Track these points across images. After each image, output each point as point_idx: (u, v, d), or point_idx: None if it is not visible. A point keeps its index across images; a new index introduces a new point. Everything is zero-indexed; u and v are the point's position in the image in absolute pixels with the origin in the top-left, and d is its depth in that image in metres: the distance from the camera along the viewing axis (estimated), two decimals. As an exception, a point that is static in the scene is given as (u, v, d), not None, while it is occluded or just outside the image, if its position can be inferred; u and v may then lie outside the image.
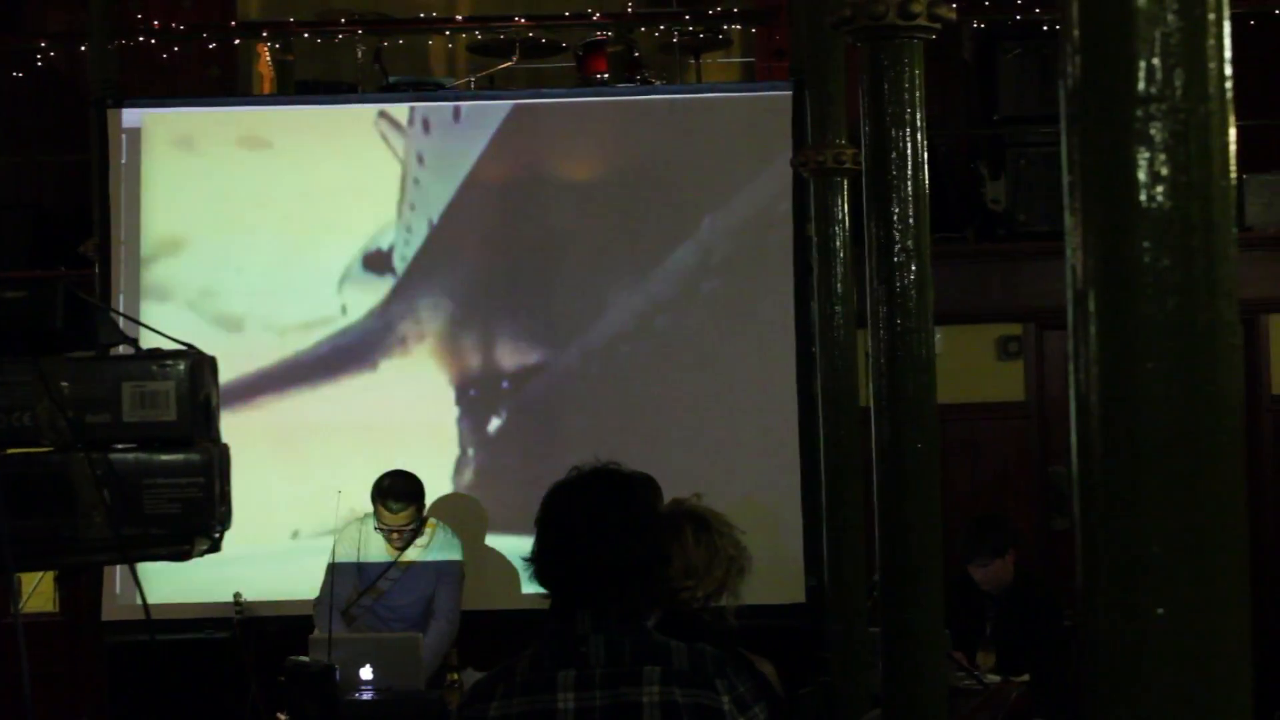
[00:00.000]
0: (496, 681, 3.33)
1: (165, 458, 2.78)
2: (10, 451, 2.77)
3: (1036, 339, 10.15)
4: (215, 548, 2.86)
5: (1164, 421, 1.54)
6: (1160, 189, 1.54)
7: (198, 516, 2.78)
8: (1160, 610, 1.54)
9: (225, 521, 2.87)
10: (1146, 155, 1.54)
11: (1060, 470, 9.82)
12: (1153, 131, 1.54)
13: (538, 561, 3.39)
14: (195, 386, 2.81)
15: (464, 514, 8.89)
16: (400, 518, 7.82)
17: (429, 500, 8.14)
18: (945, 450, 8.13)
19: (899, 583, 4.29)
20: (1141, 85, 1.54)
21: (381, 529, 7.85)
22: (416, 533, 7.94)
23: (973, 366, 9.96)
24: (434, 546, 8.01)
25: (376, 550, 7.95)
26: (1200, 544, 1.55)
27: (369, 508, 8.04)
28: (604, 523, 3.33)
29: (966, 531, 7.86)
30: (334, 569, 7.78)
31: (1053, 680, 7.34)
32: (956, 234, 10.15)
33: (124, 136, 9.32)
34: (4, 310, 2.79)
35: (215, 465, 2.81)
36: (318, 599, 7.92)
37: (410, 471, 8.01)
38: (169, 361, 2.80)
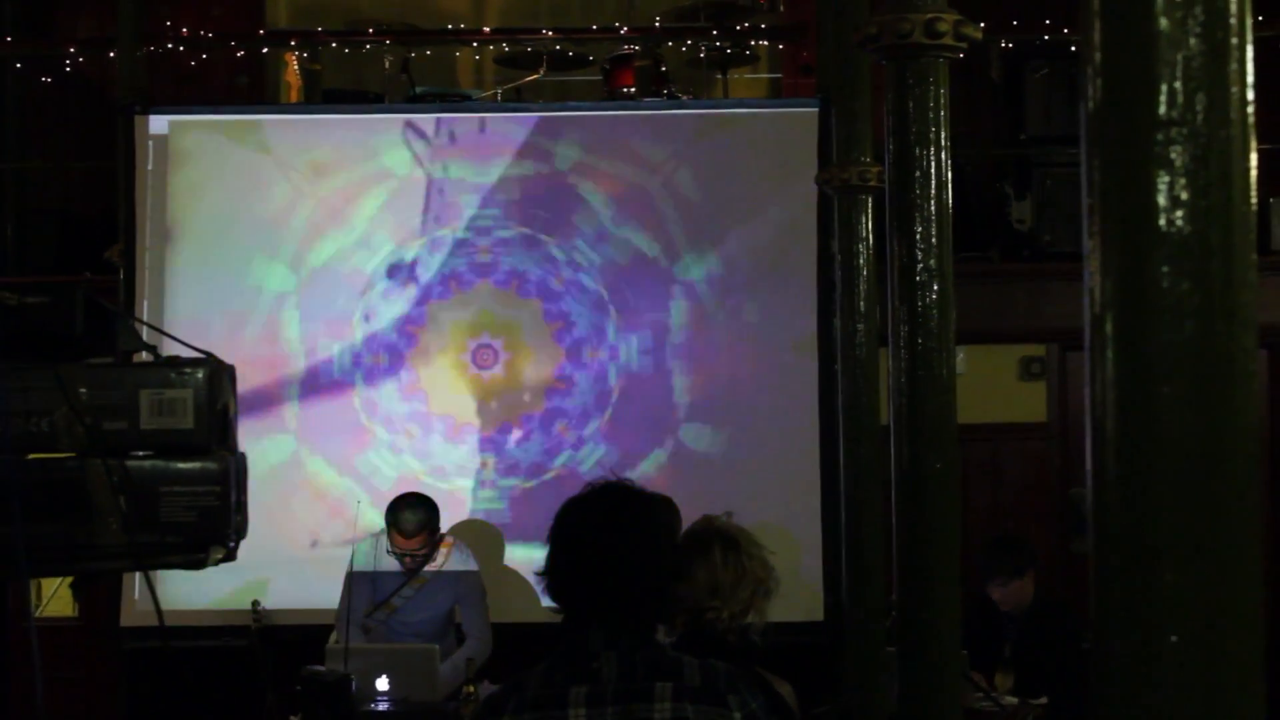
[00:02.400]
0: (508, 695, 3.32)
1: (182, 465, 2.77)
2: (28, 457, 2.77)
3: (1060, 360, 10.14)
4: (230, 556, 2.86)
5: (1180, 447, 1.53)
6: (1180, 213, 1.53)
7: (213, 525, 2.78)
8: (1174, 637, 1.53)
9: (241, 530, 2.87)
10: (1166, 179, 1.53)
11: (1081, 492, 9.78)
12: (1173, 155, 1.53)
13: (550, 576, 3.39)
14: (213, 395, 2.81)
15: (482, 525, 8.89)
16: (413, 543, 7.80)
17: (448, 517, 8.13)
18: (966, 470, 8.12)
19: (917, 603, 4.28)
20: (1163, 109, 1.53)
21: (394, 553, 7.83)
22: (429, 557, 7.92)
23: (995, 386, 9.94)
24: (450, 562, 7.99)
25: (392, 564, 7.93)
26: (1215, 571, 1.54)
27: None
28: (616, 539, 3.32)
29: (986, 552, 7.84)
30: (351, 579, 7.78)
31: (1071, 703, 7.31)
32: (981, 253, 10.13)
33: (151, 143, 9.35)
34: (24, 315, 2.79)
35: (232, 474, 2.81)
36: (338, 609, 7.93)
37: (425, 495, 7.98)
38: (187, 369, 2.80)
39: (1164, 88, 1.53)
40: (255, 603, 8.50)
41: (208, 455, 2.79)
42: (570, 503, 3.45)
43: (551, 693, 3.26)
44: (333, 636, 7.67)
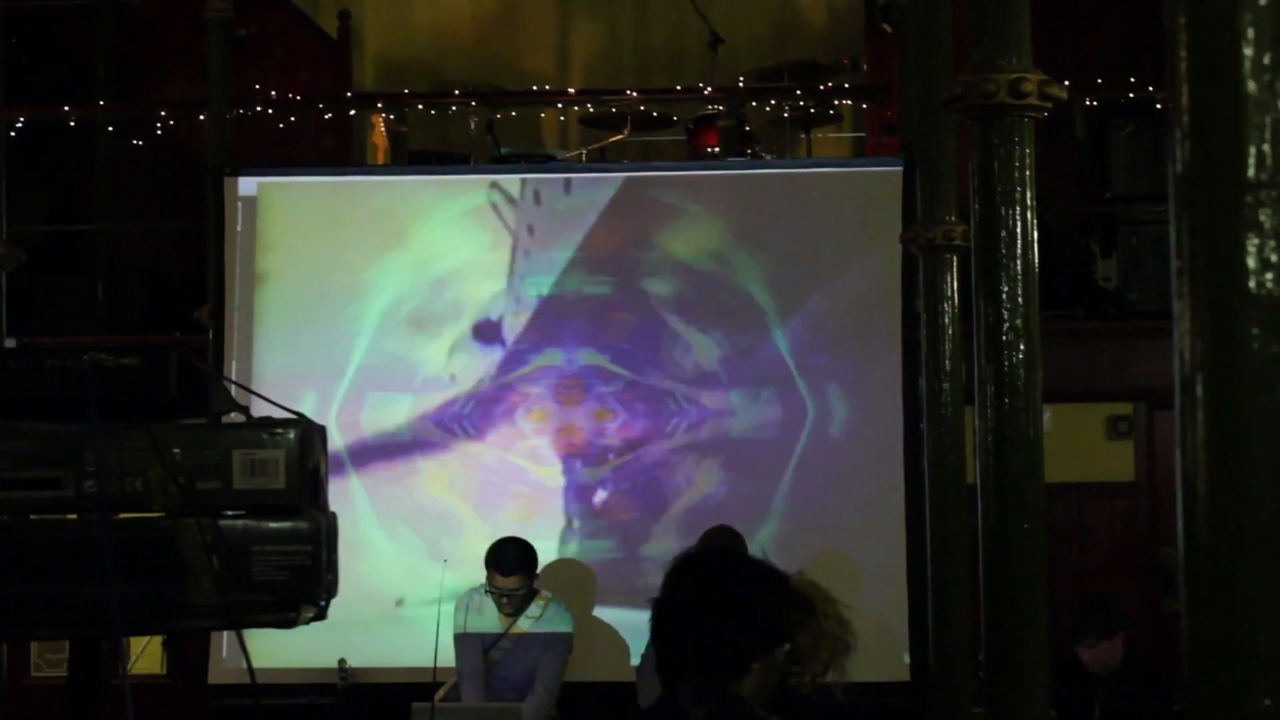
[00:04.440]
0: None
1: (274, 525, 2.80)
2: (122, 516, 2.81)
3: (1147, 418, 10.05)
4: (321, 615, 2.88)
5: (1272, 509, 1.53)
6: (1270, 275, 1.53)
7: (304, 584, 2.80)
8: (1267, 700, 1.53)
9: (331, 589, 2.89)
10: (1256, 242, 1.53)
11: (1170, 551, 9.70)
12: (1262, 218, 1.53)
13: (652, 625, 3.44)
14: (304, 455, 2.83)
15: (573, 583, 8.88)
16: (511, 581, 7.86)
17: (540, 567, 8.17)
18: (1053, 529, 8.06)
19: (1004, 664, 4.26)
20: (1251, 171, 1.54)
21: (492, 592, 7.90)
22: (527, 599, 7.97)
23: (1082, 445, 9.87)
24: (545, 618, 8.03)
25: (489, 621, 7.98)
26: (1308, 634, 1.53)
27: (475, 577, 8.10)
28: (710, 603, 3.35)
29: (1074, 612, 7.78)
30: (460, 640, 7.88)
31: (1161, 765, 7.24)
32: (1067, 311, 10.08)
33: (240, 204, 9.44)
34: (118, 377, 2.82)
35: (323, 533, 2.84)
36: (457, 670, 7.98)
37: (523, 539, 8.06)
38: (279, 430, 2.83)
39: (1253, 150, 1.54)
40: (342, 661, 8.53)
41: (299, 515, 2.81)
42: (681, 559, 3.51)
43: None
44: (438, 694, 7.71)
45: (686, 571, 3.46)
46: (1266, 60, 1.53)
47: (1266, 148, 1.53)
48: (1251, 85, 1.54)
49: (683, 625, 3.36)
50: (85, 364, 2.81)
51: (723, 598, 3.36)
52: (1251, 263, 1.53)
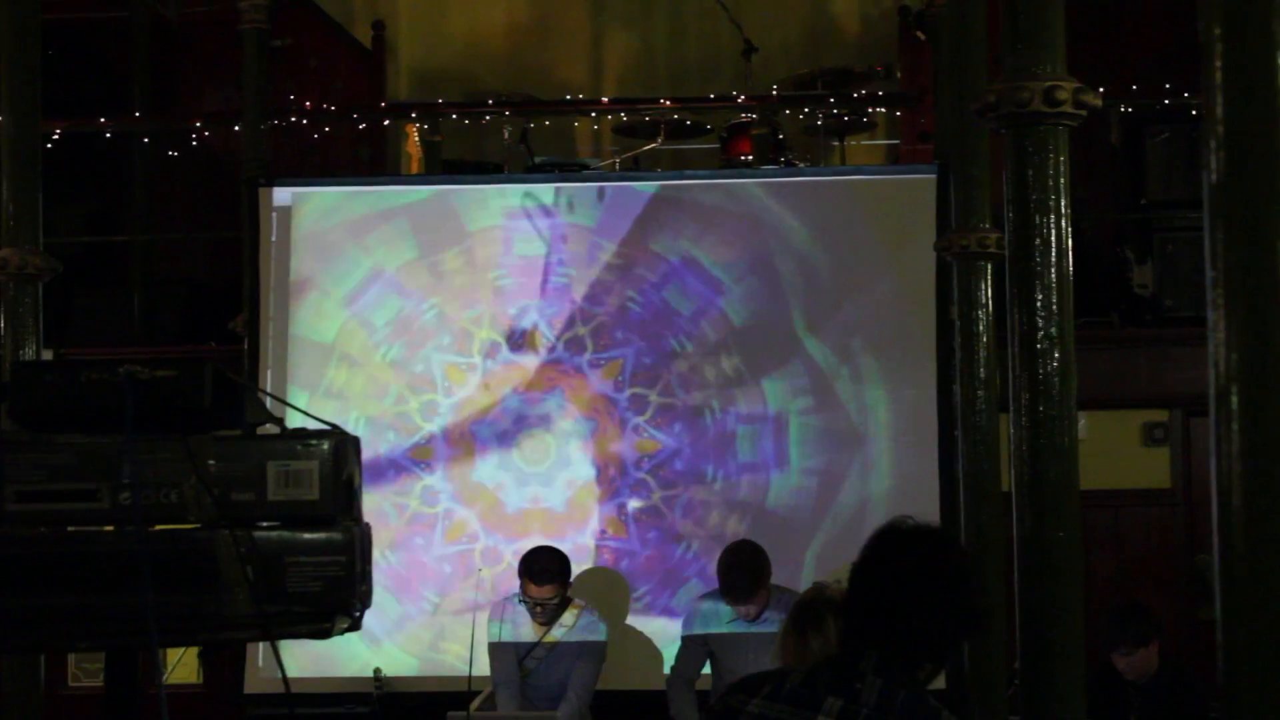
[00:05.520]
0: (765, 681, 3.42)
1: (308, 536, 2.81)
2: (158, 528, 2.82)
3: (1183, 425, 10.02)
4: (355, 626, 2.89)
5: (1308, 520, 1.52)
6: (1305, 285, 1.52)
7: (339, 595, 2.81)
8: (1304, 711, 1.52)
9: (365, 600, 2.90)
10: (1291, 251, 1.53)
11: (1206, 559, 9.66)
12: (1297, 227, 1.52)
13: (850, 589, 3.47)
14: (338, 466, 2.84)
15: (606, 591, 8.88)
16: (545, 591, 7.86)
17: (573, 576, 8.18)
18: (1088, 536, 8.04)
19: (1040, 672, 4.25)
20: (1286, 181, 1.53)
21: (526, 601, 7.90)
22: (561, 608, 7.98)
23: (1118, 452, 9.84)
24: (579, 628, 8.03)
25: (524, 630, 7.99)
26: (1345, 645, 1.52)
27: (509, 587, 8.12)
28: (922, 575, 3.38)
29: (1110, 620, 7.75)
30: (495, 649, 7.89)
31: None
32: (1102, 318, 10.05)
33: (274, 215, 9.46)
34: (154, 389, 2.83)
35: (357, 544, 2.84)
36: (492, 680, 7.98)
37: (557, 548, 8.07)
38: (313, 441, 2.84)
39: (1287, 160, 1.53)
40: (377, 671, 8.54)
41: (333, 526, 2.82)
42: (887, 529, 3.53)
43: (810, 694, 3.31)
44: (474, 703, 7.72)
45: (893, 544, 3.47)
46: (1301, 69, 1.53)
47: (1301, 157, 1.53)
48: (1286, 94, 1.53)
49: (879, 597, 3.38)
50: (121, 376, 2.82)
51: (919, 580, 3.38)
52: (1286, 272, 1.53)
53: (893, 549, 3.46)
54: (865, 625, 3.39)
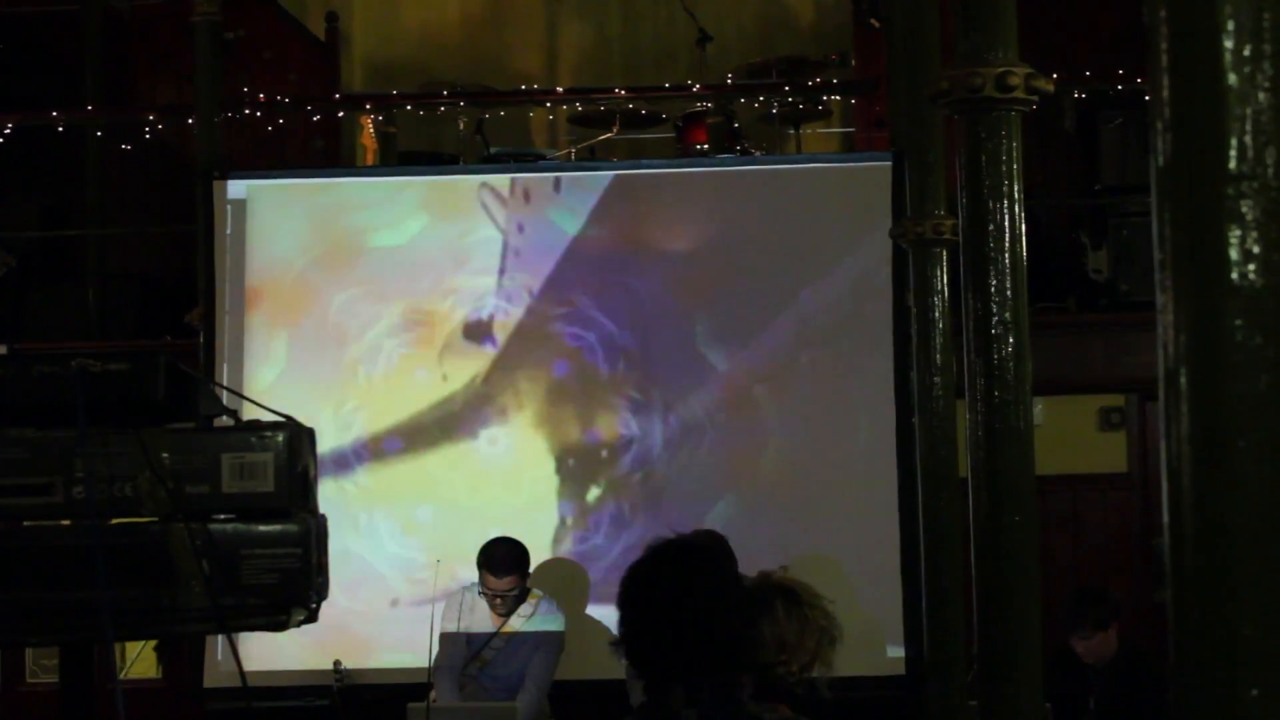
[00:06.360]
0: None
1: (263, 528, 2.81)
2: (112, 521, 2.81)
3: (1139, 410, 10.06)
4: (312, 618, 2.89)
5: (1256, 500, 1.53)
6: (1252, 266, 1.53)
7: (295, 587, 2.81)
8: (1254, 691, 1.53)
9: (322, 592, 2.90)
10: (1238, 233, 1.53)
11: (1163, 543, 9.68)
12: (1244, 209, 1.53)
13: (626, 642, 3.36)
14: (293, 458, 2.84)
15: (565, 582, 8.89)
16: (504, 583, 7.88)
17: (532, 567, 8.19)
18: (1046, 521, 8.06)
19: (998, 656, 4.26)
20: (1233, 163, 1.54)
21: (485, 593, 7.92)
22: (520, 599, 8.00)
23: (1074, 437, 9.88)
24: (537, 617, 8.05)
25: (481, 620, 8.00)
26: (1295, 624, 1.53)
27: (467, 577, 8.13)
28: (686, 597, 3.29)
29: (1069, 604, 7.79)
30: (445, 637, 7.90)
31: (1156, 756, 7.24)
32: (1058, 303, 10.09)
33: (229, 207, 9.43)
34: (107, 381, 2.83)
35: (313, 536, 2.84)
36: (433, 666, 7.98)
37: (515, 539, 8.07)
38: (268, 433, 2.84)
39: (1234, 142, 1.54)
40: (337, 663, 8.53)
41: (289, 518, 2.82)
42: (635, 567, 3.42)
43: None
44: (431, 694, 7.73)
45: (649, 576, 3.39)
46: (1247, 52, 1.54)
47: (1248, 139, 1.53)
48: (1232, 77, 1.54)
49: (661, 630, 3.30)
50: (73, 370, 2.81)
51: (693, 593, 3.30)
52: (1234, 254, 1.53)
53: (644, 579, 3.38)
54: (655, 663, 3.31)
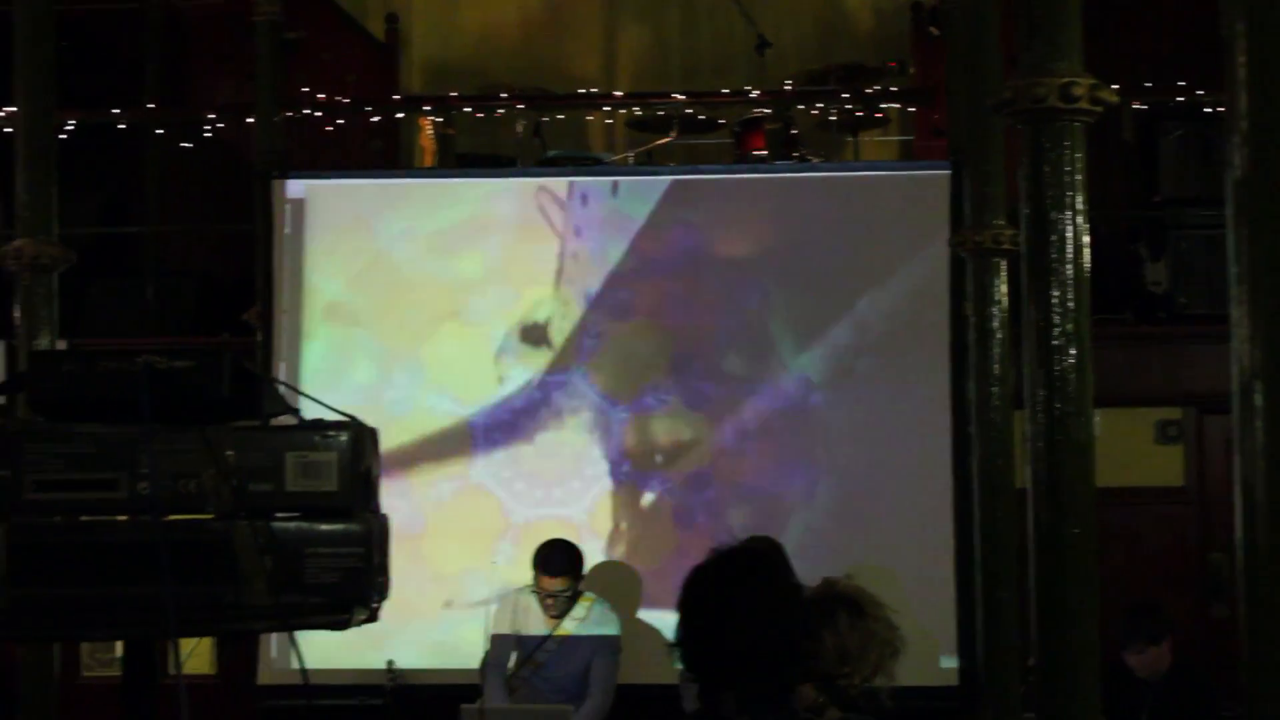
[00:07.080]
0: None
1: (326, 527, 2.81)
2: (176, 518, 2.82)
3: (1197, 423, 10.00)
4: (373, 618, 2.90)
5: (1332, 516, 1.52)
6: (1330, 281, 1.52)
7: (357, 586, 2.81)
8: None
9: (383, 592, 2.91)
10: (1316, 247, 1.52)
11: (1220, 557, 9.65)
12: (1323, 223, 1.52)
13: (682, 646, 3.36)
14: (357, 457, 2.85)
15: (619, 585, 8.88)
16: (557, 583, 7.92)
17: (587, 569, 8.20)
18: (1102, 534, 8.02)
19: (1055, 669, 4.25)
20: (1312, 177, 1.53)
21: (538, 593, 7.94)
22: (572, 600, 8.01)
23: (1131, 450, 9.82)
24: (590, 620, 8.07)
25: (534, 622, 8.03)
26: (1368, 641, 1.52)
27: (522, 579, 8.15)
28: (744, 604, 3.29)
29: (1123, 618, 7.74)
30: (496, 639, 7.94)
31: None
32: (1115, 315, 10.04)
33: (288, 207, 9.47)
34: (172, 379, 2.84)
35: (375, 536, 2.85)
36: (482, 667, 7.99)
37: (570, 541, 8.10)
38: (331, 432, 2.85)
39: (1313, 156, 1.53)
40: (390, 663, 8.55)
41: (351, 517, 2.83)
42: (696, 571, 3.42)
43: None
44: (485, 695, 7.75)
45: (709, 581, 3.38)
46: (1326, 65, 1.53)
47: (1327, 153, 1.53)
48: (1311, 90, 1.53)
49: (717, 635, 3.29)
50: (139, 366, 2.83)
51: (752, 601, 3.30)
52: (1312, 268, 1.53)
53: (706, 584, 3.37)
54: (709, 669, 3.31)
